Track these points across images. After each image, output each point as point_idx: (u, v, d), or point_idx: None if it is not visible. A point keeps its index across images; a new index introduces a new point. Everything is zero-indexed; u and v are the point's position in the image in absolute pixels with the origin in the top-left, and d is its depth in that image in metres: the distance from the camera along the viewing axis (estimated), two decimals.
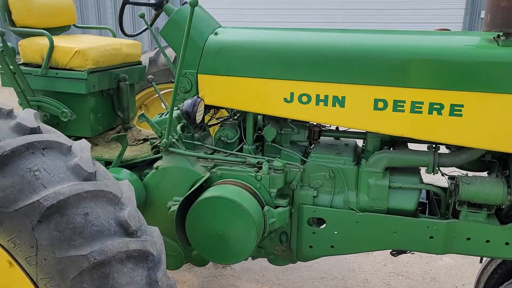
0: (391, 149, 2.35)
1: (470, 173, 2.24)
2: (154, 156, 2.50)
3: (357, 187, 2.29)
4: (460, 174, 2.19)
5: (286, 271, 3.74)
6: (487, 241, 2.14)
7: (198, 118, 2.20)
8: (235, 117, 2.61)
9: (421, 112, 2.01)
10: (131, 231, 1.50)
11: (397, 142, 2.38)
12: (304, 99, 2.18)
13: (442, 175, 2.38)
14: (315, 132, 2.42)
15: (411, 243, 2.25)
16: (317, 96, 2.16)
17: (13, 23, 2.55)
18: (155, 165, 2.42)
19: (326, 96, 2.14)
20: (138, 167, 2.60)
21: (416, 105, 2.01)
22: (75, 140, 2.61)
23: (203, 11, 2.45)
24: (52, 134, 1.51)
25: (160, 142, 2.36)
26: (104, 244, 1.41)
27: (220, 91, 2.32)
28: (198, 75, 2.31)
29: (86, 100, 2.53)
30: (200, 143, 2.48)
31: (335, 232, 2.32)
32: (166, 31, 2.33)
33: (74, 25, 3.08)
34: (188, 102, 2.15)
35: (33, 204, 1.34)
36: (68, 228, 1.38)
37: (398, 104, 2.04)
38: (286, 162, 2.32)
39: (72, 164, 1.47)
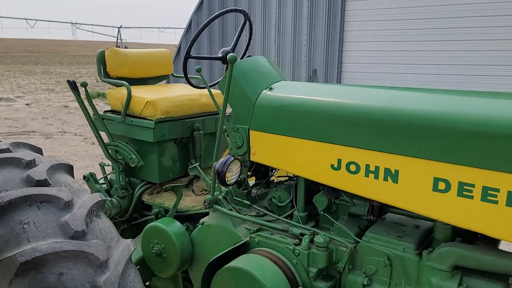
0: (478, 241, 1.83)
1: None
2: (205, 210, 2.44)
3: (418, 283, 1.83)
4: None
5: None
6: None
7: (230, 179, 2.07)
8: (294, 178, 2.39)
9: (496, 202, 1.51)
10: None
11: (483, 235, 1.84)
12: (352, 168, 1.87)
13: None
14: (375, 207, 2.04)
15: None
16: (367, 166, 1.82)
17: (107, 74, 2.84)
18: (201, 220, 2.35)
19: (377, 168, 1.79)
20: (195, 218, 2.57)
21: (489, 192, 1.52)
22: (145, 184, 2.78)
23: (268, 63, 2.34)
24: (54, 188, 1.57)
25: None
26: None
27: (270, 150, 2.16)
28: (250, 131, 2.20)
29: (155, 148, 2.64)
30: (248, 202, 2.33)
31: None
32: (222, 84, 2.30)
33: (172, 75, 3.30)
34: (220, 160, 2.05)
35: (11, 258, 1.39)
36: (40, 286, 1.38)
37: (465, 188, 1.57)
38: (332, 237, 2.00)
39: (63, 221, 1.49)
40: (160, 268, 2.38)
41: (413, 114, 1.71)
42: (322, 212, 2.13)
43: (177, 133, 2.72)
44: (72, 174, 1.82)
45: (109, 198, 2.69)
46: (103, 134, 2.72)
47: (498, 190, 1.50)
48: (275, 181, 2.59)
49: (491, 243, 1.79)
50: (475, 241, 1.81)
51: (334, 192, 2.12)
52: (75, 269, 1.43)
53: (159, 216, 2.63)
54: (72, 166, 1.83)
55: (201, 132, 2.82)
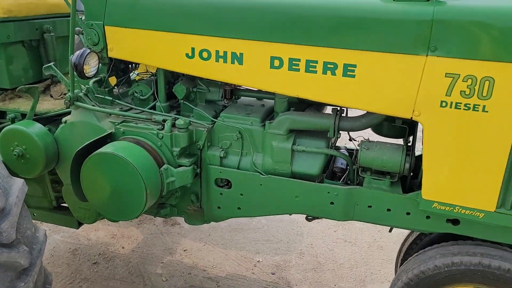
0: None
1: (379, 138, 2.14)
2: (67, 110, 2.46)
3: (263, 148, 2.22)
4: (364, 139, 2.09)
5: (233, 231, 3.76)
6: (388, 209, 2.06)
7: (89, 72, 2.13)
8: (155, 74, 2.53)
9: (315, 72, 1.90)
10: None
11: (313, 104, 2.28)
12: (205, 55, 2.08)
13: (350, 140, 2.29)
14: (227, 91, 2.32)
15: (313, 208, 2.19)
16: (217, 52, 2.05)
17: None
18: (64, 119, 2.38)
19: (225, 53, 2.04)
20: (57, 121, 2.58)
21: (310, 64, 1.89)
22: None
23: None
24: None
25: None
26: None
27: (127, 44, 2.23)
28: (105, 27, 2.23)
29: (0, 50, 2.49)
30: (111, 98, 2.42)
31: (241, 194, 2.28)
32: None
33: None
34: (76, 53, 2.08)
35: None
36: None
37: (294, 63, 1.92)
38: (191, 120, 2.25)
39: None
40: (24, 170, 2.39)
41: (252, 3, 1.95)
42: (182, 101, 2.35)
43: (24, 34, 2.58)
44: None
45: None
46: None
47: (316, 62, 1.88)
48: (136, 79, 2.69)
49: (317, 109, 2.24)
50: (305, 110, 2.24)
51: (192, 81, 2.34)
52: None
53: (16, 121, 2.56)
54: None
55: (52, 34, 2.71)
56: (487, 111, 1.67)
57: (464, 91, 1.67)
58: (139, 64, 2.63)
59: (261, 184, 2.21)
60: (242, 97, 2.46)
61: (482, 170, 1.76)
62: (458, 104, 1.70)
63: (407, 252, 2.53)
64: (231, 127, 2.23)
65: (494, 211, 1.80)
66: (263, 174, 2.19)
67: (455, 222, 1.99)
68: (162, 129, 2.23)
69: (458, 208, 1.85)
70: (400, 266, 2.52)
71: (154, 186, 2.11)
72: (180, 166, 2.23)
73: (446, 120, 1.74)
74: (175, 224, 3.81)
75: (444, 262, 1.97)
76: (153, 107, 2.41)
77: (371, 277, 3.25)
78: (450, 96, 1.70)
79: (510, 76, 1.59)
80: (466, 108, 1.69)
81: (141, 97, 2.42)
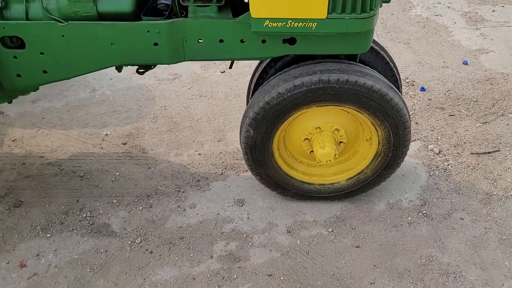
0: None
1: None
2: None
3: None
4: None
5: (73, 109, 3.27)
6: (221, 40, 1.79)
7: None
8: None
9: None
10: None
11: None
12: None
13: None
14: None
15: (136, 54, 1.82)
16: None
17: None
18: None
19: None
20: None
21: None
22: None
23: None
24: None
25: None
26: None
27: None
28: None
29: None
30: None
31: (41, 53, 1.79)
32: None
33: None
34: None
35: None
36: None
37: None
38: None
39: None
40: None
41: None
42: None
43: None
44: None
45: None
46: None
47: None
48: None
49: None
50: None
51: None
52: None
53: None
54: None
55: None
56: None
57: None
58: None
59: (62, 35, 1.74)
60: None
61: None
62: None
63: (255, 89, 2.38)
64: None
65: (326, 17, 1.63)
66: (62, 21, 1.70)
67: (292, 41, 1.80)
68: None
69: (291, 21, 1.65)
70: None
71: None
72: None
73: None
74: None
75: (287, 87, 1.84)
76: None
77: (230, 125, 3.15)
78: None
79: None
80: None
81: None
